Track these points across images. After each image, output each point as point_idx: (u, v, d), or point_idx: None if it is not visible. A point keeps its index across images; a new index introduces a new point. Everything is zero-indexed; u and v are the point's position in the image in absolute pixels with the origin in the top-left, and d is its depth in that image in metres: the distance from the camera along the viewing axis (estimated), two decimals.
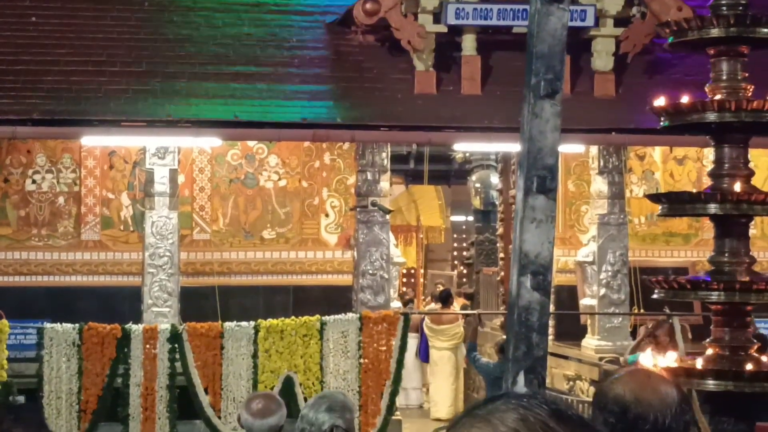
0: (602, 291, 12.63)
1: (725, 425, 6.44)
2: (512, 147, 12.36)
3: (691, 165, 14.36)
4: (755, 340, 6.93)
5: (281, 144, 13.24)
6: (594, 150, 12.83)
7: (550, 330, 12.79)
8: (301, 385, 10.70)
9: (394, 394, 11.01)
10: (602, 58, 12.28)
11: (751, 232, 7.59)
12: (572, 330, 13.39)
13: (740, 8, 6.82)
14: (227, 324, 10.79)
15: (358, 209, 12.33)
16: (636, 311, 12.78)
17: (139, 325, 10.84)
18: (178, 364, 10.59)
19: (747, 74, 6.97)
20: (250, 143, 13.41)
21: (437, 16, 11.98)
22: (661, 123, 7.07)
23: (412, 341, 14.30)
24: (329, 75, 12.31)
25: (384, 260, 12.17)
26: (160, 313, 11.62)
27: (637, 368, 3.16)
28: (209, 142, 12.32)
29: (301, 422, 5.12)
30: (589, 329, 13.00)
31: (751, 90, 6.93)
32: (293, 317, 10.94)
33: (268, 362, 10.69)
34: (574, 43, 11.35)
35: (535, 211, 4.29)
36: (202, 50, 12.21)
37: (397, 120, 11.87)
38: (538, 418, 1.59)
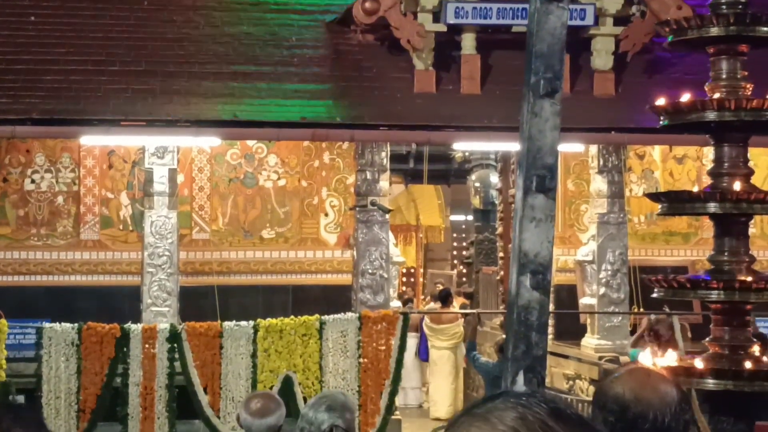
0: (602, 290, 12.63)
1: (725, 424, 6.44)
2: (512, 146, 12.36)
3: (690, 164, 14.36)
4: (755, 339, 6.93)
5: (280, 143, 13.24)
6: (593, 149, 12.83)
7: (550, 329, 12.78)
8: (300, 384, 10.70)
9: (393, 393, 11.01)
10: (602, 57, 12.28)
11: (751, 231, 7.58)
12: (572, 329, 13.39)
13: (740, 7, 6.82)
14: (226, 323, 10.78)
15: (357, 209, 12.33)
16: (636, 310, 12.78)
17: (138, 324, 10.84)
18: (177, 364, 10.59)
19: (746, 73, 6.97)
20: (250, 143, 13.40)
21: (437, 15, 11.97)
22: (661, 122, 7.07)
23: (412, 341, 14.30)
24: (329, 74, 12.31)
25: (383, 260, 12.16)
26: (160, 312, 11.61)
27: (637, 367, 3.15)
28: (208, 141, 12.32)
29: (301, 421, 5.12)
30: (588, 328, 12.99)
31: (750, 89, 6.93)
32: (292, 317, 10.93)
33: (267, 362, 10.69)
34: (574, 42, 11.35)
35: (535, 210, 4.28)
36: (201, 49, 12.21)
37: (396, 119, 11.86)
38: (537, 417, 1.59)
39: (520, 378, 4.18)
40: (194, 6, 12.66)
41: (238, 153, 13.54)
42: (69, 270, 13.19)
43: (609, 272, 12.61)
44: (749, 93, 6.88)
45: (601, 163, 12.72)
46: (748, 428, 6.38)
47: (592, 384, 12.14)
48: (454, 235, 26.31)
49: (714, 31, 6.78)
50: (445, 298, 15.28)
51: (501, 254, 15.62)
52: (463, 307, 16.58)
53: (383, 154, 12.35)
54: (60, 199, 13.23)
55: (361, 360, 10.87)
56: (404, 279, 21.98)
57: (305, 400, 10.27)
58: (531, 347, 4.20)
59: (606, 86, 12.28)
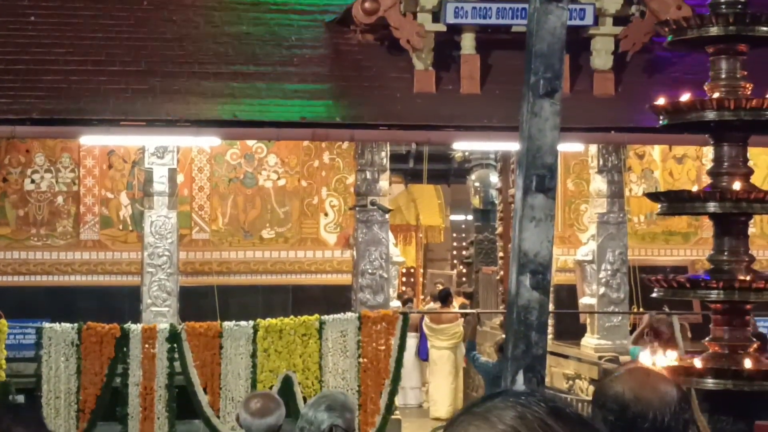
0: (602, 290, 12.63)
1: (724, 424, 6.44)
2: (511, 146, 12.36)
3: (690, 163, 14.36)
4: (755, 339, 6.93)
5: (280, 143, 13.24)
6: (593, 149, 12.82)
7: (550, 329, 12.80)
8: (299, 384, 10.70)
9: (393, 393, 11.01)
10: (601, 57, 12.28)
11: (751, 230, 7.59)
12: (572, 329, 13.39)
13: (739, 7, 6.82)
14: (226, 323, 10.78)
15: (357, 208, 12.32)
16: (635, 310, 12.78)
17: (138, 324, 10.84)
18: (176, 364, 10.59)
19: (746, 73, 6.97)
20: (249, 142, 13.40)
21: (436, 15, 11.98)
22: (661, 121, 7.07)
23: (412, 340, 14.30)
24: (328, 74, 12.30)
25: (383, 259, 12.16)
26: (159, 312, 11.61)
27: (637, 367, 3.15)
28: (208, 141, 12.31)
29: (301, 421, 5.12)
30: (588, 328, 12.99)
31: (750, 88, 6.93)
32: (292, 317, 10.94)
33: (267, 362, 10.69)
34: (574, 41, 11.35)
35: (535, 209, 4.28)
36: (201, 49, 12.21)
37: (396, 119, 11.86)
38: (536, 416, 1.59)
39: (520, 377, 4.18)
40: (194, 6, 12.66)
41: (237, 153, 13.54)
42: (69, 270, 13.19)
43: (609, 272, 12.61)
44: (749, 92, 6.88)
45: (601, 162, 12.72)
46: (747, 428, 6.38)
47: (592, 384, 12.14)
48: (454, 234, 26.30)
49: (713, 30, 6.79)
50: (444, 297, 15.29)
51: (501, 254, 15.62)
52: (462, 306, 16.58)
53: (383, 153, 12.35)
54: (60, 199, 13.23)
55: (360, 360, 10.87)
56: (404, 279, 21.98)
57: (305, 399, 10.27)
58: (531, 347, 4.21)
59: (606, 86, 12.28)
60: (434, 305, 16.94)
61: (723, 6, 6.83)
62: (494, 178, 17.80)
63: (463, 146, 16.35)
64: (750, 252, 6.94)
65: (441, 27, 11.99)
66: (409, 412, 15.02)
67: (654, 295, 6.96)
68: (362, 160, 12.29)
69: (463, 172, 20.68)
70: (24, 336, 11.42)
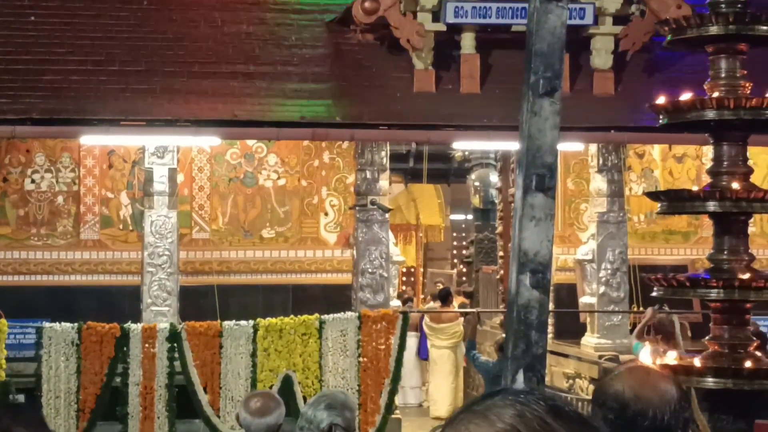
0: (602, 289, 12.63)
1: (724, 423, 6.44)
2: (511, 145, 12.36)
3: (690, 163, 14.36)
4: (754, 338, 6.94)
5: (280, 143, 13.24)
6: (593, 148, 12.82)
7: (550, 328, 12.79)
8: (299, 383, 10.70)
9: (393, 392, 11.01)
10: (601, 56, 12.28)
11: (750, 229, 7.59)
12: (572, 328, 13.39)
13: (739, 6, 6.83)
14: (226, 323, 10.79)
15: (357, 208, 12.33)
16: (635, 309, 12.77)
17: (138, 324, 10.84)
18: (177, 363, 10.59)
19: (746, 72, 6.98)
20: (250, 142, 13.40)
21: (436, 15, 11.98)
22: (660, 121, 7.08)
23: (412, 340, 14.30)
24: (328, 73, 12.31)
25: (383, 259, 12.16)
26: (160, 312, 11.61)
27: (637, 365, 3.16)
28: (208, 141, 12.31)
29: (301, 420, 5.12)
30: (588, 327, 13.00)
31: (749, 87, 6.93)
32: (292, 316, 10.94)
33: (267, 361, 10.69)
34: (573, 41, 11.35)
35: (534, 209, 4.28)
36: (201, 49, 12.20)
37: (396, 118, 11.87)
38: (535, 414, 1.59)
39: (520, 377, 4.18)
40: (194, 5, 12.66)
41: (237, 152, 13.54)
42: (69, 270, 13.19)
43: (609, 271, 12.61)
44: (748, 92, 6.89)
45: (601, 162, 12.72)
46: (747, 426, 6.38)
47: (592, 383, 12.15)
48: (454, 234, 26.30)
49: (713, 30, 6.79)
50: (444, 297, 15.28)
51: (501, 253, 15.62)
52: (462, 306, 16.58)
53: (383, 153, 12.35)
54: (60, 198, 13.23)
55: (360, 359, 10.87)
56: (404, 278, 21.98)
57: (305, 399, 10.28)
58: (531, 346, 4.21)
59: (605, 85, 12.28)
60: (434, 304, 16.94)
61: (723, 5, 6.84)
62: (494, 178, 17.80)
63: (463, 146, 16.34)
64: (750, 251, 6.94)
65: (441, 26, 11.99)
66: (409, 412, 15.02)
67: (654, 294, 6.97)
68: (362, 159, 12.30)
69: (463, 171, 20.67)
70: (24, 336, 11.43)
